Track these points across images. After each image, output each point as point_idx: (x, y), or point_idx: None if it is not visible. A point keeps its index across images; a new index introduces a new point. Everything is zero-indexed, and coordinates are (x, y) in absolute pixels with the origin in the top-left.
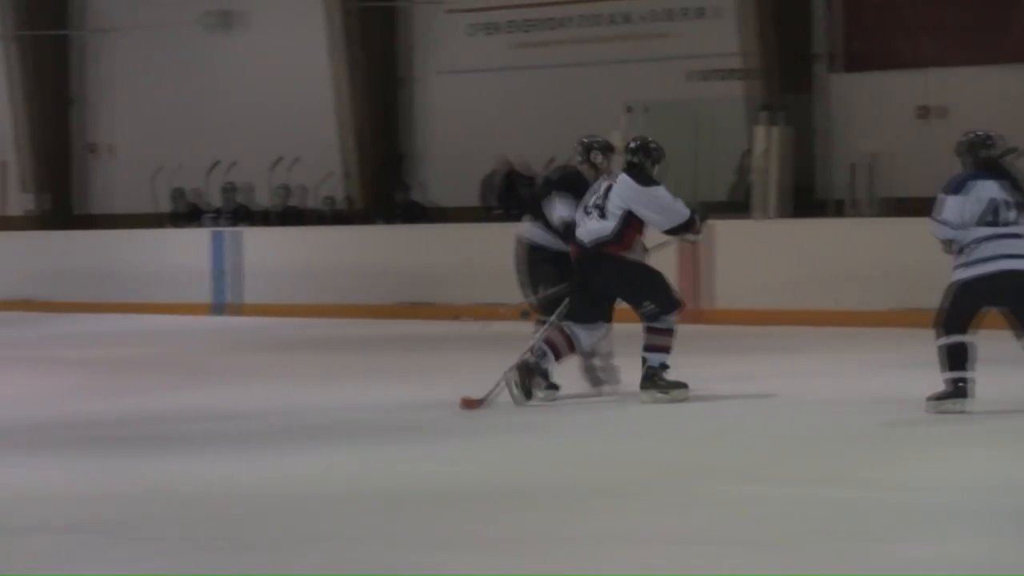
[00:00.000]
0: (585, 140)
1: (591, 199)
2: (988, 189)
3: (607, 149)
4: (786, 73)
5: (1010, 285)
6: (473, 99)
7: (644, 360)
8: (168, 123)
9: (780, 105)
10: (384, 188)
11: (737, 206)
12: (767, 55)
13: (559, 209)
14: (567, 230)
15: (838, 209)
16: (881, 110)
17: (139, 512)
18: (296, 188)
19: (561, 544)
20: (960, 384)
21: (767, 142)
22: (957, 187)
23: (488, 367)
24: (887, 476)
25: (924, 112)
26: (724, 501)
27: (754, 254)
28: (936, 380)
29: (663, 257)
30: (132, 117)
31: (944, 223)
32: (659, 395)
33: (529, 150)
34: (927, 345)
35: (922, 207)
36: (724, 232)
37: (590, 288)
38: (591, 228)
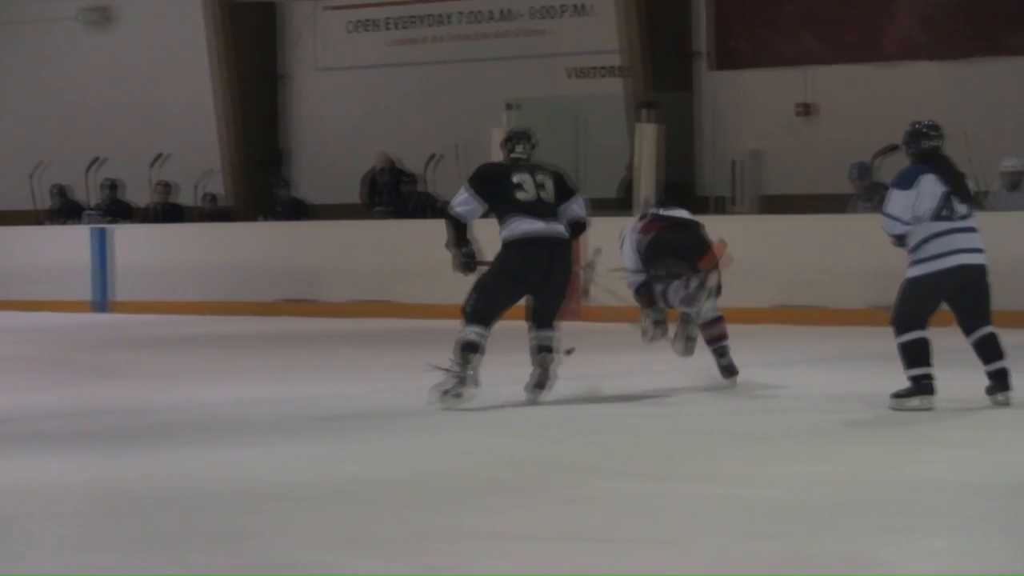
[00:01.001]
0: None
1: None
2: (936, 181)
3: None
4: (666, 70)
5: (966, 280)
6: (353, 96)
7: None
8: (47, 119)
9: (659, 102)
10: (263, 185)
11: (623, 203)
12: (646, 52)
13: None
14: None
15: (719, 206)
16: (760, 107)
17: (8, 510)
18: (176, 185)
19: (452, 541)
20: (924, 381)
21: (646, 139)
22: (905, 181)
23: (373, 365)
24: (777, 473)
25: (803, 109)
26: (618, 498)
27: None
28: (809, 375)
29: None
30: (10, 113)
31: (894, 219)
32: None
33: (409, 147)
34: (807, 342)
35: (802, 204)
36: (604, 229)
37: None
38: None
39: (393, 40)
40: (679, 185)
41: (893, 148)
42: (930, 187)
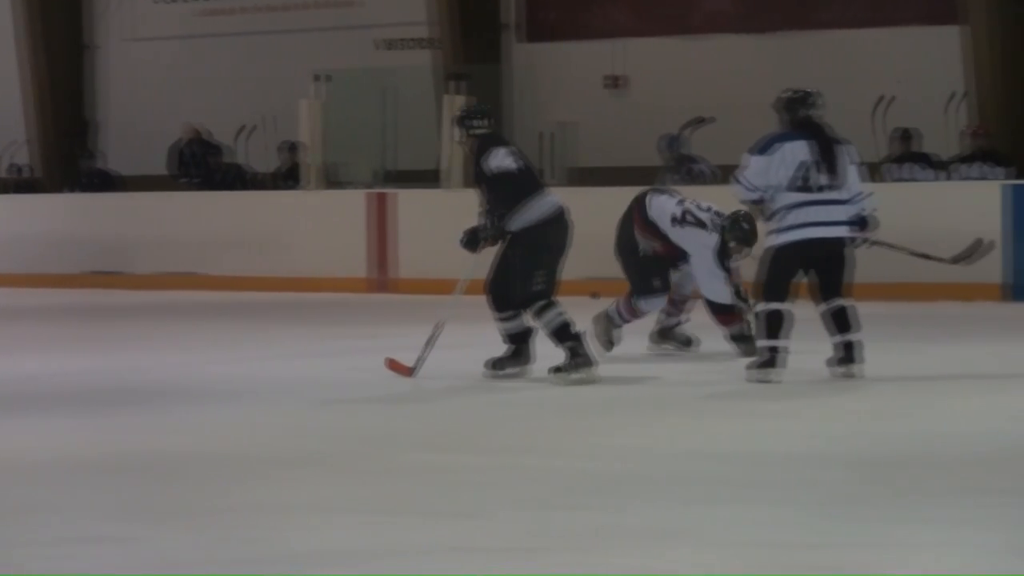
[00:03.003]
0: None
1: None
2: (797, 151)
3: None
4: (475, 42)
5: (820, 253)
6: (161, 67)
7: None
8: None
9: (469, 74)
10: (69, 156)
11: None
12: (456, 24)
13: None
14: None
15: None
16: (570, 80)
17: None
18: None
19: (258, 514)
20: (775, 352)
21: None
22: (763, 147)
23: (182, 337)
24: (594, 445)
25: (612, 82)
26: (427, 471)
27: (437, 224)
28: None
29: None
30: None
31: (744, 184)
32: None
33: (217, 118)
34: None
35: (612, 176)
36: (407, 201)
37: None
38: None
39: (202, 11)
40: None
41: (701, 121)
42: (789, 156)
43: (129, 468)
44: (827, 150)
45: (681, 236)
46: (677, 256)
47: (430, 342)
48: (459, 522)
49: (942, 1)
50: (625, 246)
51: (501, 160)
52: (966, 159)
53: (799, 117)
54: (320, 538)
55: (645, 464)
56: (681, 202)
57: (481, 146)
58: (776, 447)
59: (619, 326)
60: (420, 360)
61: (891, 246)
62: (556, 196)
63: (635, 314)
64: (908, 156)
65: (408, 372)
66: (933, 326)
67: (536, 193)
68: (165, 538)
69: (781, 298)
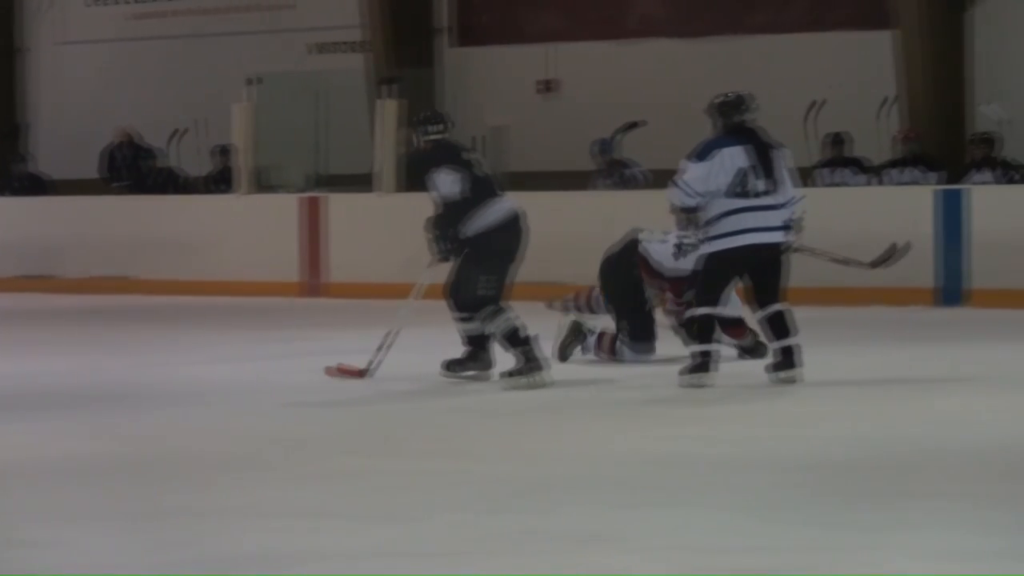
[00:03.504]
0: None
1: None
2: (735, 156)
3: None
4: (406, 46)
5: (757, 259)
6: (93, 70)
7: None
8: None
9: (401, 78)
10: (1, 160)
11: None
12: (388, 28)
13: None
14: None
15: None
16: (502, 84)
17: None
18: None
19: (191, 518)
20: (707, 356)
21: (387, 116)
22: (702, 153)
23: (115, 341)
24: (524, 449)
25: (545, 86)
26: (357, 475)
27: (370, 228)
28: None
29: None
30: None
31: (684, 190)
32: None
33: (149, 122)
34: (545, 318)
35: (545, 181)
36: (339, 205)
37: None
38: None
39: (133, 14)
40: None
41: (633, 125)
42: (727, 161)
43: (60, 472)
44: (763, 155)
45: (684, 263)
46: (684, 286)
47: (385, 345)
48: (387, 527)
49: (873, 6)
50: (625, 294)
51: (448, 188)
52: (897, 163)
53: (733, 122)
54: (250, 541)
55: (579, 467)
56: (666, 238)
57: (429, 157)
58: (708, 451)
59: (584, 351)
60: (374, 362)
61: (813, 251)
62: (511, 202)
63: (612, 355)
64: (840, 161)
65: (359, 374)
66: (868, 330)
67: (489, 199)
68: (94, 542)
69: (714, 303)
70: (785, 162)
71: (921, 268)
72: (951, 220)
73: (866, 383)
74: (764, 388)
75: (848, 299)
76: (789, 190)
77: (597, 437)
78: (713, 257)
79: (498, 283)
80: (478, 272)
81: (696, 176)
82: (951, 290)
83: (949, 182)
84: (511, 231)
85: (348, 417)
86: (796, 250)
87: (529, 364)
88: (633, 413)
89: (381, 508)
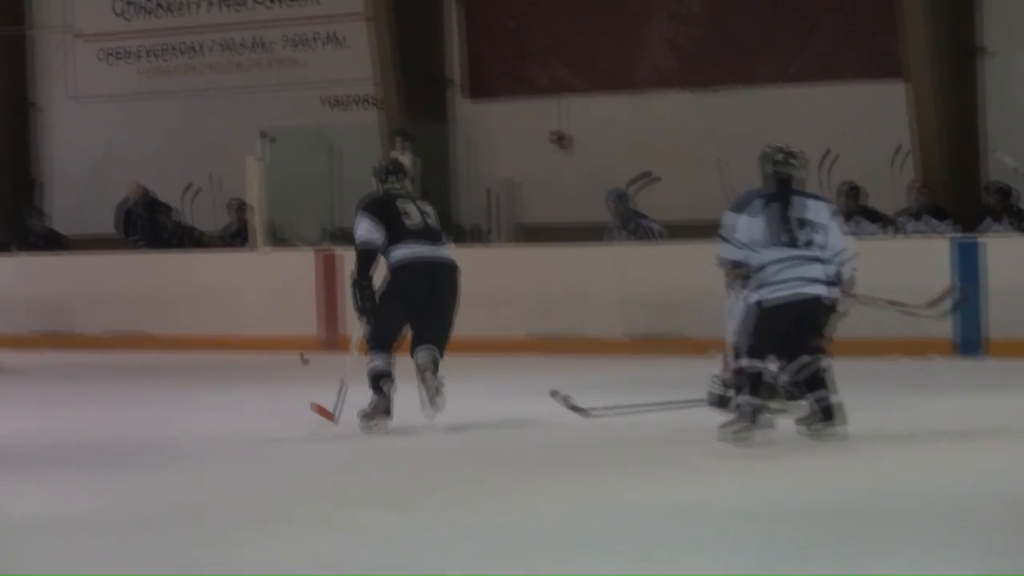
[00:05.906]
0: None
1: None
2: (779, 208)
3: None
4: (419, 99)
5: (800, 311)
6: (106, 126)
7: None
8: None
9: (412, 133)
10: (17, 216)
11: None
12: (400, 82)
13: None
14: None
15: (476, 236)
16: (515, 136)
17: None
18: None
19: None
20: (755, 411)
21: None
22: (744, 206)
23: (131, 398)
24: (526, 502)
25: (557, 138)
26: (367, 529)
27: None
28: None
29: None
30: None
31: (733, 243)
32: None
33: (165, 177)
34: (566, 371)
35: (559, 233)
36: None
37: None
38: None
39: (146, 70)
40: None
41: (647, 176)
42: (770, 213)
43: (81, 527)
44: (803, 207)
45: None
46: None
47: (341, 393)
48: None
49: (886, 57)
50: None
51: (359, 233)
52: (913, 214)
53: (771, 173)
54: None
55: (571, 519)
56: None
57: (362, 204)
58: (704, 501)
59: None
60: (337, 410)
61: (865, 300)
62: (418, 247)
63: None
64: (856, 210)
65: (331, 418)
66: (888, 382)
67: (398, 243)
68: None
69: (763, 356)
70: (830, 213)
71: (940, 319)
72: (968, 270)
73: (890, 437)
74: (793, 441)
75: (866, 351)
76: (834, 244)
77: (595, 488)
78: (767, 307)
79: (386, 323)
80: (374, 309)
81: (741, 227)
82: (970, 340)
83: (963, 231)
84: (404, 274)
85: (360, 471)
86: (851, 298)
87: (373, 408)
88: (624, 463)
89: (387, 562)
